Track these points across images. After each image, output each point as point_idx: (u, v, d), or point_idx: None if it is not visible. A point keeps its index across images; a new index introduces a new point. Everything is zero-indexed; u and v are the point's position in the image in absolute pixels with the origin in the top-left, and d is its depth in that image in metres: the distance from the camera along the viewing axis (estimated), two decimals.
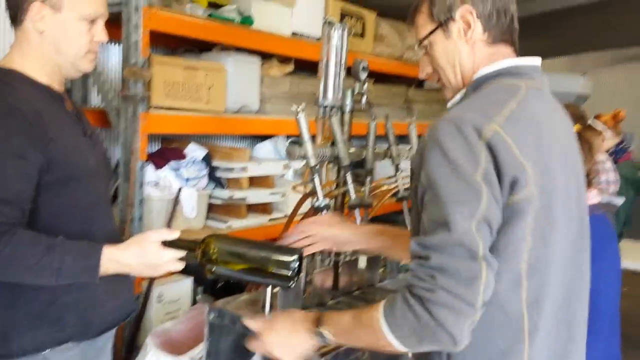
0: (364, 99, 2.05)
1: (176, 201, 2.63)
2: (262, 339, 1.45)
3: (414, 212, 1.34)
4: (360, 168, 2.08)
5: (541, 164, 1.24)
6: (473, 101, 1.31)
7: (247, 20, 2.86)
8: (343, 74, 2.01)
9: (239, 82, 2.91)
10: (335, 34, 1.97)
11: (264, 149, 3.41)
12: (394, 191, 2.29)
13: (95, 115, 2.59)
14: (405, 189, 2.16)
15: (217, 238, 1.48)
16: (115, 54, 2.95)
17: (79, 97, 2.92)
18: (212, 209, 2.95)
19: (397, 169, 2.19)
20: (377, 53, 3.86)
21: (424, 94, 4.53)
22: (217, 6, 2.81)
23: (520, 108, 1.27)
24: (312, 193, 1.83)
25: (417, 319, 1.14)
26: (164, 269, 1.49)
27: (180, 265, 1.50)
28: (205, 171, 2.79)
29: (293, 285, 1.43)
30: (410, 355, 1.36)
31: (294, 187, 2.15)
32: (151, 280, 2.54)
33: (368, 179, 2.07)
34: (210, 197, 2.89)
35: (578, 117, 2.94)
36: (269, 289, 1.57)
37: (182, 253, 1.48)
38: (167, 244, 1.47)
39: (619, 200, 3.97)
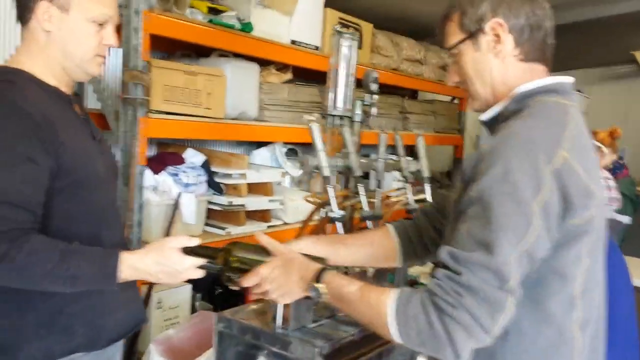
0: (373, 110, 2.05)
1: (176, 206, 2.61)
2: (260, 275, 1.42)
3: (451, 218, 1.32)
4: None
5: (598, 183, 1.23)
6: (534, 120, 1.26)
7: (247, 27, 2.87)
8: (353, 84, 2.01)
9: (238, 88, 2.90)
10: (345, 44, 1.96)
11: (260, 155, 3.41)
12: (403, 202, 2.28)
13: (92, 118, 2.56)
14: (416, 201, 2.15)
15: (238, 246, 1.47)
16: (114, 56, 2.93)
17: None
18: (211, 215, 2.93)
19: (406, 180, 2.18)
20: (373, 64, 3.88)
21: (419, 105, 4.55)
22: (216, 12, 2.82)
23: (576, 128, 1.25)
24: (325, 203, 1.82)
25: (430, 326, 1.14)
26: (184, 276, 1.46)
27: (200, 273, 1.46)
28: (204, 177, 2.77)
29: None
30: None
31: (305, 198, 2.13)
32: (150, 287, 2.51)
33: (378, 190, 2.06)
34: (209, 203, 2.87)
35: None
36: None
37: (202, 261, 1.45)
38: (188, 251, 1.44)
39: (624, 218, 3.98)
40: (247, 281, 1.44)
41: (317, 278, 1.37)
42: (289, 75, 3.28)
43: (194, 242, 1.46)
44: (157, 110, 2.51)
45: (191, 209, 2.67)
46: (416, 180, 2.27)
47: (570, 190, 1.16)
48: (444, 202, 1.57)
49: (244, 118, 3.00)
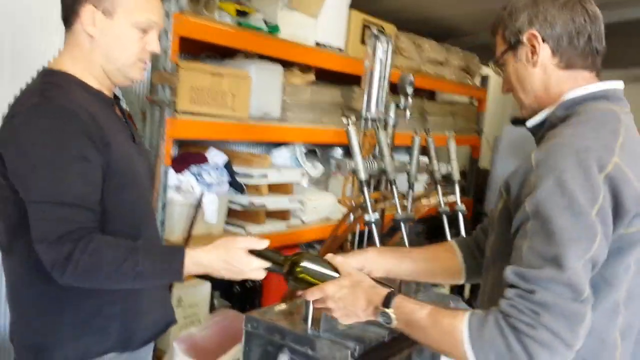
0: (407, 113, 2.07)
1: (198, 206, 2.65)
2: (326, 292, 1.43)
3: (495, 233, 1.33)
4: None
5: None
6: (584, 127, 1.26)
7: (274, 30, 2.89)
8: (387, 87, 2.02)
9: (262, 89, 2.93)
10: (380, 47, 1.98)
11: (280, 155, 3.43)
12: (434, 205, 2.30)
13: None
14: (446, 204, 2.17)
15: (306, 257, 1.50)
16: None
17: None
18: (230, 214, 2.97)
19: (436, 183, 2.20)
20: (396, 65, 3.89)
21: (438, 106, 4.55)
22: (243, 14, 2.84)
23: (627, 135, 1.25)
24: (358, 207, 1.84)
25: (508, 348, 1.13)
26: (248, 275, 1.49)
27: (263, 274, 1.50)
28: (226, 177, 2.81)
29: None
30: None
31: (339, 201, 2.15)
32: (170, 285, 2.56)
33: (411, 192, 2.08)
34: (230, 202, 2.91)
35: None
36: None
37: (268, 264, 1.49)
38: (256, 253, 1.48)
39: None
40: (311, 295, 1.45)
41: (386, 303, 1.35)
42: (311, 77, 3.30)
43: (263, 244, 1.49)
44: (183, 111, 2.55)
45: (213, 208, 2.72)
46: (432, 181, 2.30)
47: (623, 197, 1.16)
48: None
49: (267, 119, 3.03)
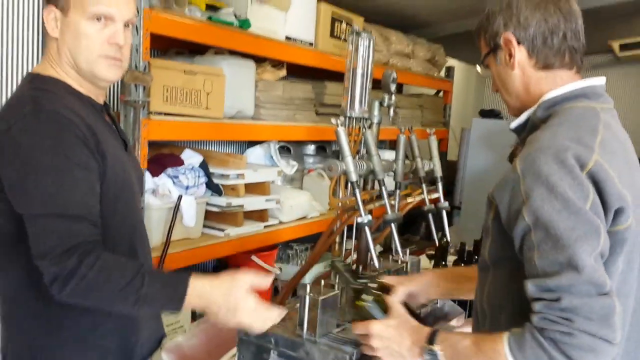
0: (391, 111, 2.03)
1: (176, 209, 2.55)
2: (371, 331, 1.45)
3: (491, 238, 1.34)
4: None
5: (634, 189, 1.24)
6: (560, 127, 1.28)
7: (244, 24, 2.80)
8: (369, 85, 1.97)
9: (235, 86, 2.84)
10: (362, 44, 1.92)
11: (254, 154, 3.35)
12: (417, 203, 2.27)
13: None
14: (431, 200, 2.14)
15: (369, 292, 1.62)
16: None
17: None
18: (208, 216, 2.87)
19: (420, 181, 2.17)
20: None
21: (407, 99, 4.53)
22: (214, 8, 2.74)
23: (607, 133, 1.26)
24: (350, 209, 1.80)
25: None
26: (242, 318, 1.44)
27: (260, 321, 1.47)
28: (203, 178, 2.71)
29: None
30: None
31: (334, 203, 2.10)
32: None
33: (397, 192, 2.04)
34: (207, 204, 2.82)
35: None
36: (307, 305, 1.54)
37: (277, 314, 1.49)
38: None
39: None
40: (357, 329, 1.49)
41: (431, 339, 1.35)
42: (283, 72, 3.23)
43: (267, 281, 1.49)
44: (157, 112, 2.44)
45: (191, 211, 2.62)
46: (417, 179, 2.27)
47: (606, 193, 1.18)
48: None
49: (241, 117, 2.95)
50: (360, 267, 1.91)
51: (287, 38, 3.18)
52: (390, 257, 2.09)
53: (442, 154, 5.11)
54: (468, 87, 6.54)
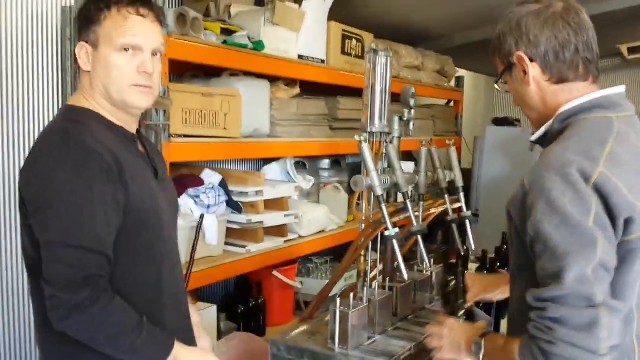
0: (411, 125, 2.09)
1: (199, 228, 2.62)
2: (440, 336, 1.62)
3: (514, 247, 1.39)
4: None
5: None
6: (571, 140, 1.31)
7: (258, 46, 2.88)
8: (389, 100, 2.04)
9: (251, 106, 2.91)
10: (380, 62, 1.99)
11: (271, 170, 3.41)
12: (439, 214, 2.32)
13: None
14: (453, 210, 2.19)
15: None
16: None
17: None
18: (229, 234, 2.94)
19: (442, 192, 2.22)
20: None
21: (418, 111, 4.58)
22: (228, 32, 2.82)
23: (619, 143, 1.28)
24: (377, 222, 1.85)
25: None
26: None
27: None
28: (224, 197, 2.78)
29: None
30: None
31: (359, 217, 2.16)
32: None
33: (422, 203, 2.09)
34: (228, 222, 2.88)
35: None
36: (337, 319, 1.59)
37: None
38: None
39: None
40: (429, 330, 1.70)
41: (482, 335, 1.50)
42: (297, 90, 3.30)
43: None
44: (177, 134, 2.52)
45: (213, 230, 2.68)
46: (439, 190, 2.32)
47: (612, 201, 1.20)
48: None
49: (257, 135, 3.02)
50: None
51: (300, 57, 3.26)
52: (416, 267, 2.14)
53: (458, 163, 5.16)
54: (477, 96, 6.59)
